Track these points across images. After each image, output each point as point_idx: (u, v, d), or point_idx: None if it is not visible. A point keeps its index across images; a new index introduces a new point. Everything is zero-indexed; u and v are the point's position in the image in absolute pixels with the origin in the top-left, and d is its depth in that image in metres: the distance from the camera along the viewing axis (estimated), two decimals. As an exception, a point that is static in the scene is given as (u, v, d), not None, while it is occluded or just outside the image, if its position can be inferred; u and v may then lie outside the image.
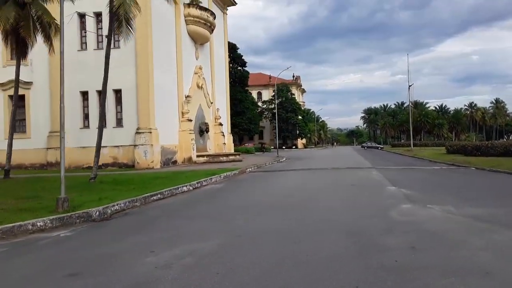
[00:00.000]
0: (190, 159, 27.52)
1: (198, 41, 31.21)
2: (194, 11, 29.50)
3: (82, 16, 24.03)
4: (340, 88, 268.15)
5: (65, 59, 23.70)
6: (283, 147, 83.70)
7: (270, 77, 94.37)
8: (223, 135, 34.99)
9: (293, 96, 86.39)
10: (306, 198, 11.33)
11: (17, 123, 25.20)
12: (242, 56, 47.25)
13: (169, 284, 4.53)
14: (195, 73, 30.69)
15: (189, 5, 29.35)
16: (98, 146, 15.52)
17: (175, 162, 26.59)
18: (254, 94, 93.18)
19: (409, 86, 53.65)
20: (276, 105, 49.46)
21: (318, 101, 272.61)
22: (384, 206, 9.35)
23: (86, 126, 24.20)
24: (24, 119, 24.93)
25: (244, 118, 78.14)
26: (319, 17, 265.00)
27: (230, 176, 19.02)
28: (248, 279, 4.62)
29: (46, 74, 24.42)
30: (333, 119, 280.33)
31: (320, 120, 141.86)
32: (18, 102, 24.87)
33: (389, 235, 6.43)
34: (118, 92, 23.84)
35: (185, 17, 29.24)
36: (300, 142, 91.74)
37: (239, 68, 46.84)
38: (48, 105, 24.39)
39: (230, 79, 46.52)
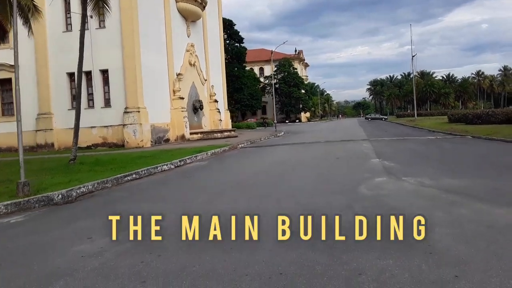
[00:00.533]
0: (183, 136, 27.21)
1: (189, 18, 30.48)
2: (182, -13, 28.70)
3: (65, -5, 23.42)
4: (347, 61, 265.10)
5: (50, 41, 23.53)
6: (286, 121, 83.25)
7: (272, 52, 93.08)
8: (219, 111, 34.56)
9: (295, 70, 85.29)
10: (281, 173, 11.00)
11: (6, 107, 25.02)
12: (239, 32, 46.32)
13: (85, 274, 4.22)
14: (187, 51, 30.09)
15: (177, -20, 28.54)
16: (76, 128, 15.24)
17: (167, 140, 26.30)
18: (256, 69, 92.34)
19: (412, 56, 52.77)
20: (273, 78, 48.67)
21: (325, 74, 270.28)
22: (357, 180, 8.99)
23: (74, 107, 23.80)
24: (12, 102, 24.63)
25: (246, 94, 77.78)
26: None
27: (218, 153, 18.70)
28: (173, 267, 4.31)
29: (32, 57, 23.98)
30: (340, 92, 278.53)
31: (325, 93, 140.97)
32: (5, 86, 24.69)
33: (344, 212, 6.05)
34: (105, 72, 23.43)
35: (174, -7, 28.48)
36: (304, 115, 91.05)
37: (236, 44, 45.88)
38: (35, 88, 24.03)
39: (227, 56, 45.84)
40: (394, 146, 17.80)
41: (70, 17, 23.65)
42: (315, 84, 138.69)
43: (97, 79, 23.44)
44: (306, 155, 15.94)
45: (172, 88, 27.26)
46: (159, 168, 13.39)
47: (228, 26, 45.51)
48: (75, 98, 15.72)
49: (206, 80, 33.38)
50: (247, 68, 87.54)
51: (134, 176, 11.85)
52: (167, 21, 27.11)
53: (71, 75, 23.75)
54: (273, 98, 48.18)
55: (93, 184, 10.09)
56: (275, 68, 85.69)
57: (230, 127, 38.91)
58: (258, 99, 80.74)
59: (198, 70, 31.94)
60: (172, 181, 11.30)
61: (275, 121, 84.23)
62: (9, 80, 24.52)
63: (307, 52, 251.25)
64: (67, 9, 23.60)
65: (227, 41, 45.65)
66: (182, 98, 27.65)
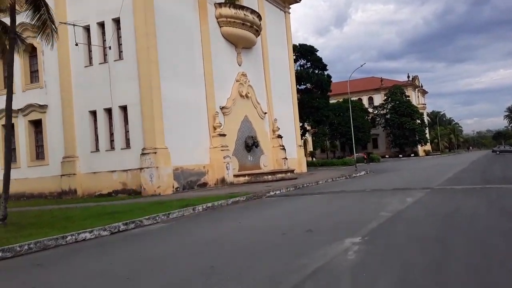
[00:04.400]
0: (223, 180, 23.25)
1: (240, 44, 27.07)
2: (226, 11, 25.50)
3: (87, 29, 21.63)
4: (489, 86, 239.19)
5: (73, 77, 21.66)
6: (400, 156, 74.74)
7: (381, 80, 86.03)
8: (283, 149, 30.00)
9: (407, 98, 76.83)
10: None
11: (39, 150, 23.82)
12: (321, 59, 41.63)
13: None
14: (236, 81, 26.55)
15: (220, 4, 25.41)
16: (5, 180, 12.21)
17: (204, 184, 22.60)
18: (365, 99, 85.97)
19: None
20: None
21: (463, 102, 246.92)
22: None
23: (97, 149, 21.57)
24: (42, 145, 23.32)
25: (346, 126, 71.70)
26: (457, 13, 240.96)
27: (217, 207, 14.45)
28: None
29: (59, 96, 22.48)
30: (482, 120, 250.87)
31: (453, 122, 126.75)
32: (37, 128, 23.52)
33: None
34: (124, 109, 20.78)
35: (217, 18, 25.40)
36: (422, 149, 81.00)
37: (319, 72, 41.28)
38: (61, 129, 22.34)
39: (310, 85, 41.46)
40: (449, 205, 11.57)
41: (91, 51, 21.69)
42: (441, 113, 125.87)
43: (116, 117, 20.95)
44: (303, 217, 10.81)
45: (212, 124, 23.69)
46: (68, 238, 9.54)
47: (309, 52, 41.27)
48: (4, 146, 12.72)
49: (266, 113, 29.33)
50: (354, 98, 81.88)
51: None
52: (205, 48, 23.94)
53: (93, 113, 21.63)
54: (352, 129, 41.49)
55: None
56: (384, 98, 78.35)
57: (304, 165, 34.12)
58: (366, 131, 74.19)
59: (253, 102, 28.08)
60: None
61: (389, 156, 76.66)
62: (39, 122, 23.31)
63: (442, 79, 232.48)
64: (90, 42, 21.70)
65: (309, 69, 41.25)
66: (224, 135, 23.88)
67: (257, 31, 27.83)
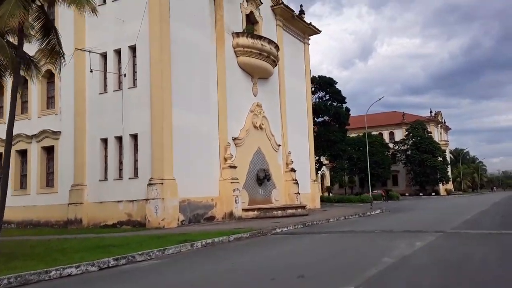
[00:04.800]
0: (231, 214, 22.66)
1: (256, 75, 26.92)
2: (243, 41, 25.46)
3: (104, 56, 21.79)
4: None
5: (87, 104, 21.72)
6: (420, 194, 72.83)
7: (403, 114, 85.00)
8: (296, 183, 29.31)
9: (429, 134, 75.42)
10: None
11: (50, 177, 23.72)
12: (340, 91, 41.22)
13: None
14: (251, 112, 26.26)
15: (238, 34, 25.44)
16: (-1, 208, 11.88)
17: (211, 218, 22.03)
18: (386, 134, 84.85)
19: None
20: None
21: (488, 139, 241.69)
22: None
23: (105, 178, 21.33)
24: (53, 172, 23.23)
25: (371, 162, 70.39)
26: (484, 48, 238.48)
27: (218, 243, 13.90)
28: None
29: (72, 122, 22.49)
30: (508, 159, 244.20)
31: (477, 161, 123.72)
32: (49, 155, 23.52)
33: None
34: (135, 137, 20.59)
35: (233, 48, 25.38)
36: (443, 187, 78.80)
37: (337, 104, 40.83)
38: (73, 156, 22.25)
39: (328, 118, 40.96)
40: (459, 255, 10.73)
41: (107, 78, 21.76)
42: (464, 151, 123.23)
43: (126, 145, 20.74)
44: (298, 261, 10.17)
45: (223, 155, 23.31)
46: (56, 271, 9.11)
47: (327, 84, 40.96)
48: (3, 174, 12.45)
49: (280, 145, 28.84)
50: (374, 133, 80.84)
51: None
52: (220, 77, 23.82)
53: (104, 141, 21.51)
54: (369, 165, 40.79)
55: None
56: (406, 133, 77.12)
57: (317, 201, 33.30)
58: (385, 167, 72.76)
59: (267, 134, 27.66)
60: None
61: (409, 194, 74.63)
62: (52, 148, 23.30)
63: (467, 115, 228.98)
64: (106, 69, 21.80)
65: (328, 102, 40.84)
66: (234, 167, 23.41)
67: (274, 62, 27.68)
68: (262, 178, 26.09)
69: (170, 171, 19.69)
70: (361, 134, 78.84)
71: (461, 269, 8.23)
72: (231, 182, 22.94)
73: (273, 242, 14.41)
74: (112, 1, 21.94)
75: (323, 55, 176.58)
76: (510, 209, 28.07)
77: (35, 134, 23.48)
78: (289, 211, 24.46)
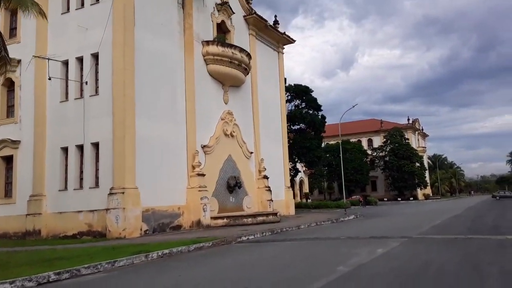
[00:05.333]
0: (199, 222, 22.07)
1: (227, 83, 26.49)
2: (213, 49, 25.02)
3: (66, 64, 21.10)
4: (493, 131, 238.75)
5: (48, 113, 20.92)
6: (398, 199, 73.23)
7: (381, 122, 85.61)
8: (269, 190, 28.85)
9: (407, 141, 76.02)
10: None
11: (8, 187, 22.79)
12: (316, 99, 40.94)
13: None
14: (221, 119, 25.79)
15: (208, 42, 25.00)
16: None
17: (178, 227, 21.43)
18: (365, 141, 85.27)
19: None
20: (341, 149, 41.48)
21: (467, 146, 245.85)
22: None
23: (66, 188, 20.56)
24: (11, 183, 22.33)
25: (349, 168, 70.50)
26: (463, 59, 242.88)
27: (176, 254, 13.41)
28: None
29: (32, 131, 21.68)
30: (486, 165, 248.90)
31: (455, 166, 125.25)
32: (8, 164, 22.68)
33: None
34: (97, 146, 19.90)
35: (203, 56, 24.93)
36: (421, 193, 79.34)
37: (313, 112, 40.61)
38: (32, 166, 21.41)
39: (303, 125, 40.70)
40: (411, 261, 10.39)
41: (68, 86, 21.07)
42: (442, 156, 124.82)
43: (87, 154, 20.07)
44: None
45: (191, 163, 22.74)
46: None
47: (302, 92, 40.75)
48: None
49: (252, 153, 28.39)
50: (353, 140, 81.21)
51: None
52: (189, 85, 23.34)
53: (65, 150, 20.77)
54: (342, 170, 40.61)
55: None
56: (384, 139, 77.61)
57: (292, 207, 32.91)
58: (364, 173, 72.97)
59: (239, 141, 27.21)
60: None
61: (388, 199, 74.85)
62: (11, 158, 22.43)
63: (447, 123, 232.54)
64: (67, 77, 21.10)
65: (303, 109, 40.60)
66: (202, 175, 22.87)
67: (246, 70, 27.31)
68: (233, 185, 25.59)
69: (132, 180, 19.07)
70: (339, 141, 79.16)
71: (417, 278, 7.88)
72: (199, 190, 22.39)
73: (234, 251, 13.96)
74: (76, 9, 21.39)
75: (305, 65, 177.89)
76: (482, 213, 28.09)
77: (-9, 144, 22.55)
78: (260, 218, 23.99)
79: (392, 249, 11.63)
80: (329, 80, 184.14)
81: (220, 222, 23.02)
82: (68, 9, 21.49)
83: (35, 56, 20.36)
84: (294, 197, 60.61)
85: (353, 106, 37.37)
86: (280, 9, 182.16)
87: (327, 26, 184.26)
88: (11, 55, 22.03)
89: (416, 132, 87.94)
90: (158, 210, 20.49)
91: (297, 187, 62.80)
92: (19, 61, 22.42)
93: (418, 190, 77.59)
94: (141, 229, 19.14)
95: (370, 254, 10.83)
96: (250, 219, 23.57)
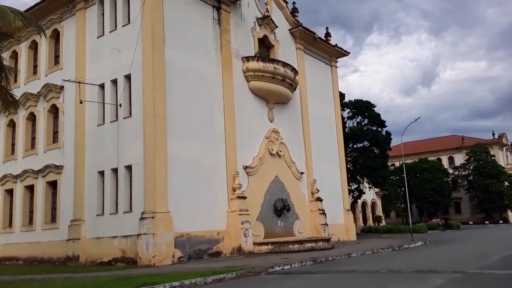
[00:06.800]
0: (239, 249, 20.53)
1: (271, 99, 25.13)
2: (253, 65, 23.88)
3: (102, 87, 21.03)
4: None
5: (86, 137, 20.88)
6: (486, 222, 66.32)
7: (463, 138, 79.03)
8: (323, 213, 26.61)
9: (493, 158, 69.18)
10: None
11: (53, 212, 22.96)
12: (379, 115, 38.18)
13: None
14: (266, 138, 24.35)
15: (248, 58, 23.94)
16: None
17: (217, 254, 20.06)
18: (445, 159, 79.24)
19: None
20: (404, 168, 37.54)
21: None
22: None
23: (102, 212, 20.12)
24: (56, 208, 22.41)
25: (428, 189, 65.31)
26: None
27: (188, 287, 11.89)
28: None
29: (73, 155, 21.71)
30: None
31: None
32: (53, 189, 22.93)
33: None
34: (130, 169, 19.31)
35: (244, 72, 23.87)
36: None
37: (377, 129, 37.84)
38: (73, 190, 21.34)
39: (368, 144, 37.99)
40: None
41: (105, 109, 20.89)
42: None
43: (121, 178, 19.53)
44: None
45: (231, 185, 21.44)
46: None
47: (365, 108, 38.18)
48: None
49: (302, 173, 26.49)
50: (432, 158, 75.62)
51: None
52: (228, 103, 22.30)
53: (102, 173, 20.45)
54: (406, 190, 37.48)
55: None
56: (466, 157, 71.29)
57: (352, 232, 30.26)
58: (445, 194, 67.31)
59: (287, 161, 25.50)
60: None
61: (474, 222, 68.07)
62: (55, 183, 22.60)
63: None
64: (104, 100, 20.95)
65: (366, 126, 37.97)
66: (244, 198, 21.44)
67: (292, 86, 25.78)
68: (280, 209, 23.82)
69: (164, 204, 18.11)
70: (416, 160, 74.00)
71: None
72: (240, 214, 20.93)
73: (256, 284, 12.22)
74: (110, 31, 21.32)
75: (383, 83, 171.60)
76: None
77: (41, 169, 22.95)
78: (308, 244, 21.93)
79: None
80: (409, 97, 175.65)
81: (264, 248, 21.31)
82: (103, 32, 21.50)
83: (65, 80, 20.48)
84: (366, 221, 57.80)
85: (415, 120, 33.73)
86: (354, 28, 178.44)
87: (404, 41, 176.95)
88: (54, 82, 22.76)
89: (504, 148, 79.96)
90: (194, 235, 19.30)
91: (368, 209, 59.16)
92: (62, 88, 22.78)
93: (509, 212, 69.81)
94: (173, 256, 18.00)
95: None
96: (297, 246, 21.61)
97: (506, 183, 67.38)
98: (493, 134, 77.62)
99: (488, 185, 64.99)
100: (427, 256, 17.92)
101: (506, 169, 71.07)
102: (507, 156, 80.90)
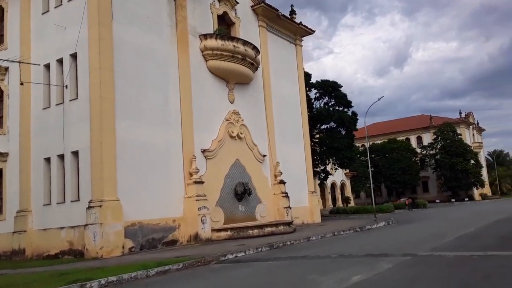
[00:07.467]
0: (196, 236, 19.72)
1: (231, 79, 24.11)
2: (212, 43, 22.72)
3: (47, 66, 19.58)
4: None
5: (32, 121, 19.36)
6: (452, 200, 67.54)
7: (430, 117, 79.88)
8: (286, 196, 26.01)
9: (459, 137, 70.13)
10: None
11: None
12: (345, 95, 37.51)
13: None
14: (226, 120, 23.39)
15: (206, 36, 22.76)
16: None
17: (172, 242, 19.20)
18: (413, 139, 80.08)
19: None
20: (368, 148, 37.63)
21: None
22: None
23: (50, 202, 18.91)
24: (2, 198, 21.01)
25: (396, 169, 65.91)
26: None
27: (126, 281, 11.12)
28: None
29: (18, 142, 20.31)
30: None
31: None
32: (-1, 178, 21.41)
33: None
34: (76, 155, 18.11)
35: (202, 51, 22.72)
36: (478, 192, 72.90)
37: (343, 109, 37.26)
38: (18, 179, 20.00)
39: (333, 124, 37.39)
40: None
41: (51, 91, 19.48)
42: (504, 152, 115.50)
43: (68, 164, 18.32)
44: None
45: (187, 170, 20.49)
46: None
47: (331, 88, 37.46)
48: None
49: (265, 156, 25.74)
50: (401, 138, 76.34)
51: None
52: (184, 84, 21.19)
53: (48, 160, 19.16)
54: (369, 171, 37.15)
55: None
56: (434, 137, 72.11)
57: (317, 214, 29.83)
58: (413, 174, 68.14)
59: (248, 144, 24.68)
60: None
61: (440, 200, 69.27)
62: (1, 171, 21.14)
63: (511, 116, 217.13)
64: (49, 81, 19.53)
65: (332, 107, 37.34)
66: (201, 182, 20.54)
67: (253, 65, 24.78)
68: (241, 193, 23.06)
69: (113, 192, 17.05)
70: (386, 140, 74.50)
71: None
72: (196, 200, 20.05)
73: (201, 275, 11.44)
74: (55, 7, 19.79)
75: (357, 64, 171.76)
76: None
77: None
78: (268, 229, 21.30)
79: (374, 275, 8.72)
80: (382, 78, 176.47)
81: (223, 235, 20.57)
82: (48, 8, 19.95)
83: (3, 60, 18.96)
84: (335, 202, 57.88)
85: (379, 99, 33.14)
86: (329, 9, 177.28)
87: (378, 22, 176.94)
88: (-1, 63, 21.05)
89: (470, 126, 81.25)
90: (147, 224, 18.35)
91: (337, 190, 59.26)
92: (6, 69, 21.20)
93: (474, 189, 71.29)
94: (123, 247, 17.01)
95: (338, 285, 8.00)
96: (256, 231, 20.94)
97: (472, 161, 68.54)
98: (460, 113, 78.68)
99: (454, 164, 65.95)
100: (383, 238, 17.55)
101: (472, 148, 72.27)
102: (473, 135, 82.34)
